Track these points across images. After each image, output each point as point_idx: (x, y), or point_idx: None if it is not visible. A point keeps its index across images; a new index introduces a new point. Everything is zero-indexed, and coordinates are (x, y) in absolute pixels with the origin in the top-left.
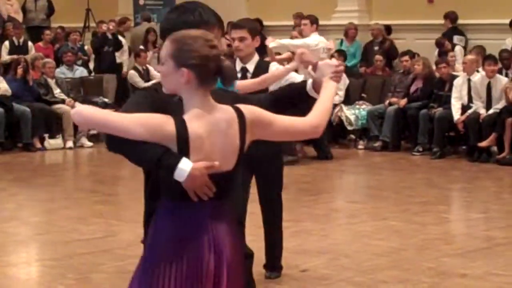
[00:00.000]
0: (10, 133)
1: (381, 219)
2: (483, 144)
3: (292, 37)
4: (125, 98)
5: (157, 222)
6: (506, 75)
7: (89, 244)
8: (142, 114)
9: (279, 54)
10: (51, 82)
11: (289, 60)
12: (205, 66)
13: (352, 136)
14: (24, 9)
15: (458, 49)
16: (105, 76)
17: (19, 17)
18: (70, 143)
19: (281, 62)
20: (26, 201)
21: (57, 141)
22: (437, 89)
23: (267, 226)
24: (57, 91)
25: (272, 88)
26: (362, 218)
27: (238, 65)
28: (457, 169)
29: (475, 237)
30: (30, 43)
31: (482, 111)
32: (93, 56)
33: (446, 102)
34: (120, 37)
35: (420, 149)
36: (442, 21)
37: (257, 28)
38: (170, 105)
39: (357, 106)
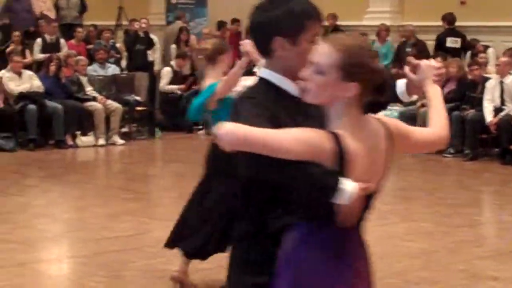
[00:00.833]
0: (42, 130)
1: (412, 220)
2: None
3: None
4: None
5: (299, 249)
6: None
7: (120, 241)
8: (297, 130)
9: None
10: (83, 80)
11: None
12: (372, 80)
13: None
14: (57, 7)
15: (491, 51)
16: (137, 74)
17: (52, 14)
18: (101, 141)
19: None
20: (58, 198)
21: (89, 139)
22: (469, 91)
23: None
24: (89, 89)
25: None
26: (393, 220)
27: None
28: (489, 172)
29: (507, 239)
30: (62, 41)
31: None
32: (125, 54)
33: (478, 104)
34: (152, 35)
35: (452, 151)
36: (473, 23)
37: None
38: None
39: (389, 107)
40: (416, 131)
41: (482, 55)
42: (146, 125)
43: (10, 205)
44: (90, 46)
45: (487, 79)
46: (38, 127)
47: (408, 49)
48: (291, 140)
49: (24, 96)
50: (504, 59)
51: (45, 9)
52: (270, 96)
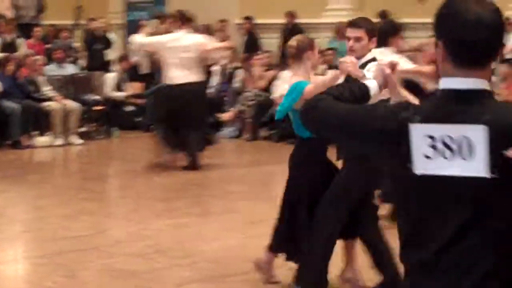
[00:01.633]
0: None
1: None
2: None
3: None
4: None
5: None
6: None
7: (78, 241)
8: None
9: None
10: (41, 80)
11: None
12: None
13: None
14: (14, 6)
15: None
16: (96, 73)
17: (10, 13)
18: (59, 141)
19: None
20: (15, 198)
21: (46, 139)
22: None
23: None
24: (46, 89)
25: None
26: None
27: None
28: None
29: None
30: (20, 40)
31: None
32: (83, 53)
33: None
34: (110, 35)
35: None
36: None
37: (375, 29)
38: None
39: None
40: None
41: None
42: (105, 124)
43: None
44: (49, 46)
45: None
46: None
47: None
48: None
49: None
50: None
51: (3, 9)
52: None
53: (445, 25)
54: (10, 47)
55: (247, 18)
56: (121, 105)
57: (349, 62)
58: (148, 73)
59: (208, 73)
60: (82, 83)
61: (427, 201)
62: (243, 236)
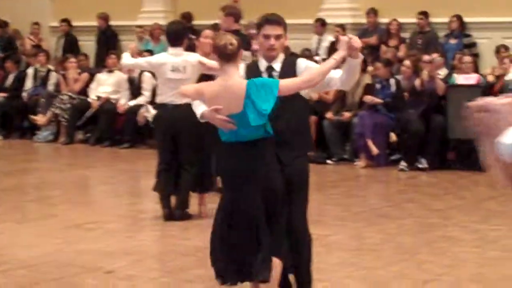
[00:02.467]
0: None
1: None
2: None
3: None
4: None
5: None
6: None
7: None
8: None
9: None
10: None
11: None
12: None
13: None
14: None
15: None
16: None
17: None
18: None
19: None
20: None
21: None
22: None
23: None
24: None
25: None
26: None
27: (262, 64)
28: None
29: None
30: None
31: None
32: None
33: None
34: None
35: None
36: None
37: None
38: None
39: None
40: None
41: None
42: None
43: None
44: None
45: None
46: None
47: None
48: None
49: None
50: None
51: None
52: None
53: None
54: None
55: (64, 21)
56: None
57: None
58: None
59: (23, 77)
60: None
61: None
62: (59, 241)
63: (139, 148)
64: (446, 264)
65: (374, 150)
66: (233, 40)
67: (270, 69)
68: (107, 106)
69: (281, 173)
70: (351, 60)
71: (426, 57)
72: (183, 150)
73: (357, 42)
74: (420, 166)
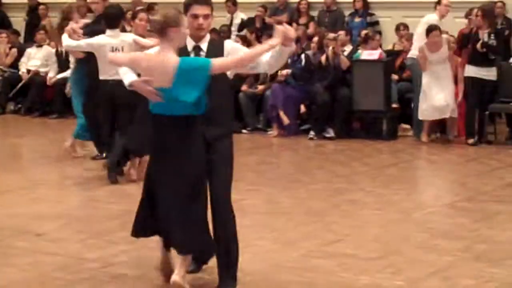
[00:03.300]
0: None
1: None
2: None
3: None
4: None
5: None
6: None
7: None
8: None
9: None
10: None
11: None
12: None
13: None
14: None
15: None
16: None
17: None
18: None
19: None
20: None
21: None
22: None
23: None
24: None
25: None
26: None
27: (190, 44)
28: None
29: None
30: None
31: None
32: None
33: None
34: None
35: None
36: None
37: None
38: None
39: None
40: None
41: None
42: None
43: None
44: None
45: None
46: None
47: None
48: None
49: None
50: None
51: None
52: None
53: None
54: None
55: None
56: None
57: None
58: None
59: None
60: None
61: None
62: None
63: (68, 118)
64: (351, 225)
65: (286, 120)
66: (158, 17)
67: (197, 48)
68: (37, 79)
69: (207, 150)
70: (284, 48)
71: (330, 35)
72: (119, 118)
73: (292, 33)
74: (327, 135)
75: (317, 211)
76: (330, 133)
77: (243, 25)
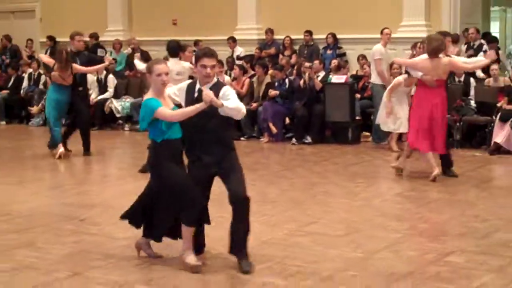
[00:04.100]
0: None
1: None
2: None
3: None
4: None
5: None
6: None
7: None
8: None
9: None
10: None
11: None
12: None
13: (120, 122)
14: None
15: None
16: None
17: None
18: None
19: None
20: None
21: None
22: None
23: None
24: None
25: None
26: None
27: (197, 87)
28: None
29: None
30: None
31: None
32: None
33: None
34: None
35: None
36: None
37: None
38: None
39: (123, 99)
40: None
41: None
42: None
43: None
44: None
45: None
46: None
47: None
48: None
49: None
50: None
51: None
52: None
53: None
54: None
55: (49, 37)
56: None
57: (210, 93)
58: None
59: (21, 78)
60: None
61: None
62: (48, 198)
63: (105, 130)
64: (323, 211)
65: (274, 130)
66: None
67: (200, 91)
68: None
69: (216, 166)
70: (220, 109)
71: (306, 64)
72: None
73: (207, 96)
74: (306, 141)
75: (297, 200)
76: (308, 139)
77: (240, 57)
